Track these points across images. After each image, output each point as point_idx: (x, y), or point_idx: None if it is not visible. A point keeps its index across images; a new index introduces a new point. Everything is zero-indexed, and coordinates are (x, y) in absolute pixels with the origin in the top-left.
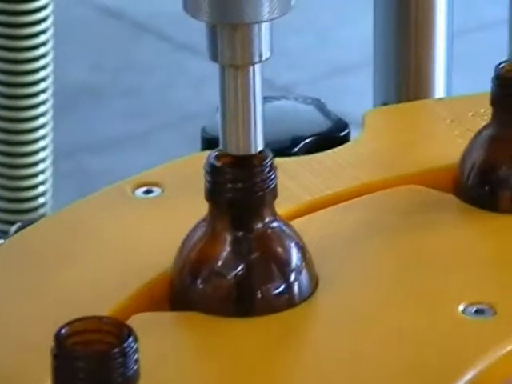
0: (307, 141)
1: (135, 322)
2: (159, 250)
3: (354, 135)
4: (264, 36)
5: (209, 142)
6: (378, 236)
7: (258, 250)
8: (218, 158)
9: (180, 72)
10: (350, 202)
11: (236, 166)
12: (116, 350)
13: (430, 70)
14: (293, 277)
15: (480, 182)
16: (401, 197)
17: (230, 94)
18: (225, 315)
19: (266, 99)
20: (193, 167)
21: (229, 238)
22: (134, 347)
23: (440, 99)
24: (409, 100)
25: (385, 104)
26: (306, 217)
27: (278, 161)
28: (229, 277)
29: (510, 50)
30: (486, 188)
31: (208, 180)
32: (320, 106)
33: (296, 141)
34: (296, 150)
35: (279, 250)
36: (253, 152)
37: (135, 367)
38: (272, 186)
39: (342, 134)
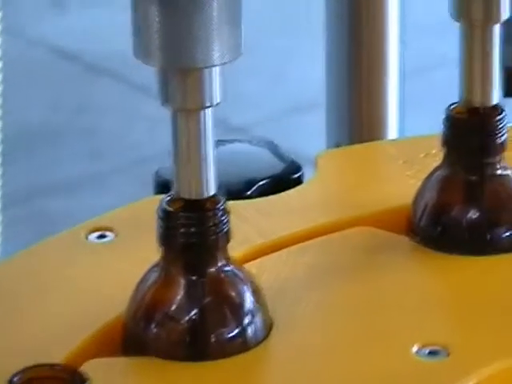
0: (260, 183)
1: (88, 367)
2: (112, 294)
3: (309, 175)
4: (215, 80)
5: (162, 186)
6: (331, 278)
7: (212, 294)
8: (170, 202)
9: (135, 114)
10: (303, 244)
11: (188, 210)
12: None
13: (383, 111)
14: (246, 320)
15: (432, 222)
16: (354, 239)
17: (181, 138)
18: (178, 359)
19: (219, 142)
20: (145, 211)
21: (182, 282)
22: None
23: (392, 140)
24: (362, 140)
25: (338, 145)
26: (259, 260)
27: (231, 204)
28: (182, 321)
29: (460, 91)
30: (439, 229)
31: (160, 225)
32: (273, 148)
33: (249, 183)
34: (249, 192)
35: (232, 293)
36: (205, 196)
37: None
38: (225, 230)
39: (295, 176)
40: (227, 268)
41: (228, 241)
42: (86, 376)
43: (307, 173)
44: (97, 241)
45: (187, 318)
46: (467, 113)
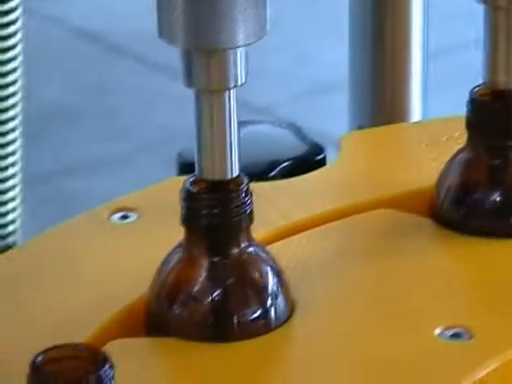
0: (283, 165)
1: (112, 348)
2: (136, 275)
3: (332, 157)
4: (239, 61)
5: (184, 167)
6: (355, 260)
7: (235, 275)
8: (193, 183)
9: (158, 95)
10: (325, 226)
11: (212, 191)
12: (92, 376)
13: (406, 93)
14: (269, 302)
15: (455, 204)
16: (376, 221)
17: (205, 118)
18: (201, 340)
19: (242, 123)
20: (169, 192)
21: (205, 263)
22: (110, 374)
23: (416, 123)
24: (385, 123)
25: (360, 127)
26: (282, 241)
27: (254, 185)
28: (205, 302)
29: (484, 73)
30: (462, 211)
31: (184, 206)
32: (296, 130)
33: (272, 165)
34: (272, 174)
35: (255, 275)
36: (229, 177)
37: None
38: (248, 211)
39: (318, 158)
40: (250, 249)
41: (251, 222)
42: (109, 356)
43: (331, 155)
44: (119, 221)
45: (210, 299)
46: (491, 95)
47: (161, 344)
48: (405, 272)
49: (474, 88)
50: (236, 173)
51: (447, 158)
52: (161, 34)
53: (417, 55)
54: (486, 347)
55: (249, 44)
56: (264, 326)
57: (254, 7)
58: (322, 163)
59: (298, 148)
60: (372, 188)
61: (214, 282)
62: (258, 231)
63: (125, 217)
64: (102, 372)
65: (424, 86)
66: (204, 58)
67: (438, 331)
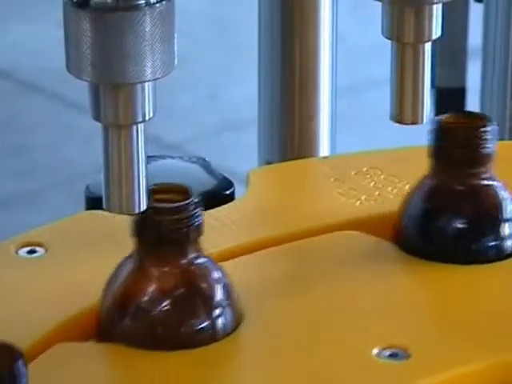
0: None
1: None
2: (40, 310)
3: (242, 192)
4: (147, 96)
5: (92, 201)
6: (302, 283)
7: (183, 285)
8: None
9: (68, 131)
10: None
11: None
12: (5, 372)
13: (314, 129)
14: (216, 312)
15: (418, 231)
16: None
17: (113, 153)
18: (148, 349)
19: (151, 158)
20: (76, 227)
21: (155, 273)
22: (23, 371)
23: (324, 157)
24: (293, 158)
25: (268, 163)
26: (231, 261)
27: None
28: (154, 312)
29: (391, 110)
30: (424, 237)
31: (135, 217)
32: (205, 165)
33: None
34: None
35: (204, 285)
36: (136, 211)
37: None
38: (197, 223)
39: (227, 192)
40: (199, 260)
41: (200, 234)
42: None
43: (240, 190)
44: (27, 256)
45: (158, 308)
46: (453, 123)
47: (107, 349)
48: (352, 294)
49: (438, 115)
50: (144, 207)
51: (356, 192)
52: (69, 68)
53: (325, 92)
54: (422, 367)
55: (157, 79)
56: (211, 337)
57: (162, 42)
58: (230, 198)
59: (207, 182)
60: (279, 223)
61: (163, 292)
62: None
63: (32, 251)
64: (15, 368)
65: (332, 123)
66: (111, 92)
67: (375, 351)
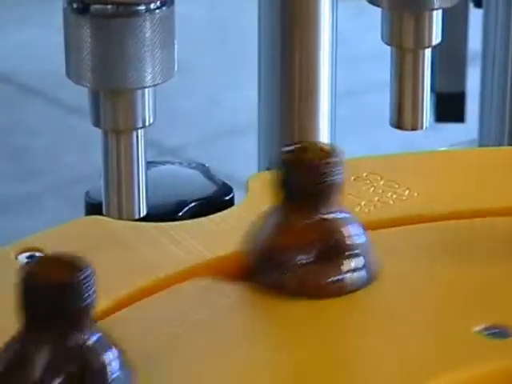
0: (192, 205)
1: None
2: None
3: (241, 197)
4: (147, 101)
5: (92, 207)
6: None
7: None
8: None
9: (68, 135)
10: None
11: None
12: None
13: (314, 134)
14: (352, 265)
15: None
16: None
17: (112, 158)
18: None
19: (150, 164)
20: (76, 232)
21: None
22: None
23: None
24: None
25: (268, 169)
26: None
27: (162, 226)
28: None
29: (391, 116)
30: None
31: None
32: (204, 171)
33: (180, 205)
34: (180, 214)
35: (343, 239)
36: (136, 217)
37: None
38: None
39: (227, 198)
40: (341, 215)
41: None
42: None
43: (240, 196)
44: (26, 261)
45: (304, 260)
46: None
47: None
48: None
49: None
50: (144, 212)
51: (355, 198)
52: (69, 73)
53: (325, 97)
54: None
55: (157, 84)
56: (343, 288)
57: (162, 48)
58: (230, 203)
59: (206, 188)
60: None
61: (307, 245)
62: (166, 271)
63: (32, 257)
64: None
65: (332, 128)
66: (111, 98)
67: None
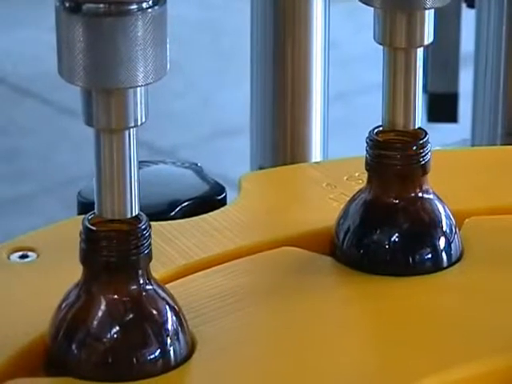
0: (184, 204)
1: None
2: (34, 314)
3: (234, 197)
4: (139, 100)
5: (84, 206)
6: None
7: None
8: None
9: (61, 136)
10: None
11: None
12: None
13: (307, 133)
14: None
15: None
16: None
17: (105, 158)
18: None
19: (143, 163)
20: (68, 231)
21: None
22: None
23: (316, 163)
24: (285, 164)
25: (261, 168)
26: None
27: (155, 224)
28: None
29: (383, 115)
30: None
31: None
32: (197, 170)
33: (173, 204)
34: (173, 213)
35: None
36: (128, 216)
37: None
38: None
39: (219, 197)
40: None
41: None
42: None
43: (233, 195)
44: (18, 260)
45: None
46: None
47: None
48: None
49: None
50: (136, 212)
51: (347, 197)
52: (61, 72)
53: (317, 97)
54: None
55: (149, 83)
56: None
57: (154, 47)
58: (222, 203)
59: (199, 188)
60: (272, 227)
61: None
62: (158, 270)
63: (24, 256)
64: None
65: (324, 129)
66: (104, 97)
67: None
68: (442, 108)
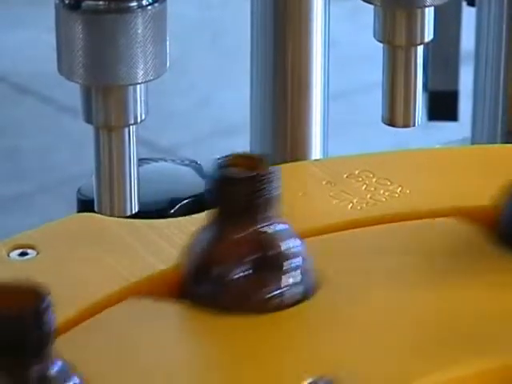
0: (184, 202)
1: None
2: None
3: None
4: (139, 98)
5: (84, 204)
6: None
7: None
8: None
9: (60, 134)
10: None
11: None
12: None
13: (307, 133)
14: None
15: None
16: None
17: (104, 155)
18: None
19: (143, 161)
20: (68, 229)
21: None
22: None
23: (316, 160)
24: (286, 162)
25: None
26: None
27: (154, 222)
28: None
29: (383, 113)
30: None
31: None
32: (197, 168)
33: (173, 202)
34: (173, 211)
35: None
36: (128, 214)
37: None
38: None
39: None
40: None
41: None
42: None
43: None
44: (18, 258)
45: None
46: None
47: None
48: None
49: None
50: (135, 209)
51: (347, 195)
52: (60, 69)
53: (317, 96)
54: None
55: (149, 81)
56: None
57: (154, 44)
58: None
59: (199, 186)
60: None
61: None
62: (158, 267)
63: (23, 254)
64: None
65: (324, 128)
66: (103, 94)
67: None
68: (443, 106)
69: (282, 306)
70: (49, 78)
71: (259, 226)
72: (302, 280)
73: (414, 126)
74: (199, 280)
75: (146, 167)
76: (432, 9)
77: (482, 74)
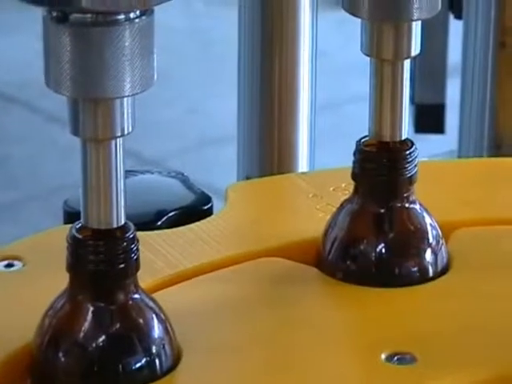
0: (170, 214)
1: None
2: (20, 322)
3: (220, 207)
4: (126, 110)
5: (71, 216)
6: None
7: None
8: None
9: (48, 144)
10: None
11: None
12: None
13: (294, 143)
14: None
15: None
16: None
17: (91, 167)
18: None
19: (130, 173)
20: (54, 241)
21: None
22: None
23: (302, 173)
24: (272, 174)
25: (248, 177)
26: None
27: (141, 234)
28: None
29: (370, 126)
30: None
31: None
32: (183, 180)
33: (159, 214)
34: (159, 223)
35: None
36: (114, 226)
37: None
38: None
39: (205, 207)
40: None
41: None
42: None
43: (220, 205)
44: (4, 270)
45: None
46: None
47: None
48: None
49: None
50: (122, 222)
51: (334, 208)
52: (48, 82)
53: (305, 107)
54: None
55: (136, 94)
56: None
57: (141, 57)
58: (208, 213)
59: (185, 197)
60: (258, 238)
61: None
62: (145, 280)
63: (10, 265)
64: None
65: (311, 139)
66: (90, 107)
67: None
68: (429, 119)
69: (423, 280)
70: (38, 86)
71: (399, 203)
72: (441, 255)
73: (400, 139)
74: (343, 255)
75: (133, 179)
76: (419, 23)
77: (469, 87)
